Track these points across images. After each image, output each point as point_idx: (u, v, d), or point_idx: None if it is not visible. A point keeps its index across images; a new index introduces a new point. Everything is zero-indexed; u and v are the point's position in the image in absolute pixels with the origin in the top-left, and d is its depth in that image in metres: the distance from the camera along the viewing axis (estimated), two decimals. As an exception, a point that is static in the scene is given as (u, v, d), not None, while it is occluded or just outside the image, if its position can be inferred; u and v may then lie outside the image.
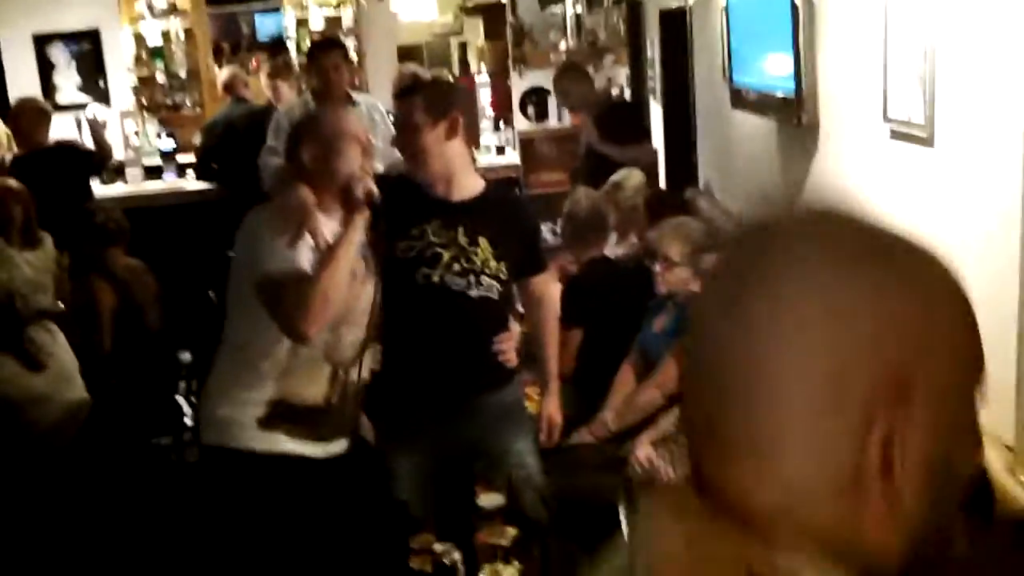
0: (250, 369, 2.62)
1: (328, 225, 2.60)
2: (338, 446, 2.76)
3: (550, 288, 3.14)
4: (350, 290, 2.61)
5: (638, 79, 7.11)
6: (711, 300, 0.73)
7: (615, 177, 4.77)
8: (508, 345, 2.89)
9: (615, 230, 4.30)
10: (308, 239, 2.55)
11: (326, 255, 2.53)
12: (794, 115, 3.14)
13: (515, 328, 2.99)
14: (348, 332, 2.68)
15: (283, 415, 2.63)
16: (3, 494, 3.41)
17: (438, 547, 2.50)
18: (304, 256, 2.53)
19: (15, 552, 3.27)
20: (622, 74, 7.57)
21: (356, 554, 2.74)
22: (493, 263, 2.78)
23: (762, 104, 3.64)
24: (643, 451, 3.22)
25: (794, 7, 3.02)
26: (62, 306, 4.70)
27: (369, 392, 2.84)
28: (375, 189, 2.56)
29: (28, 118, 5.99)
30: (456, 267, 2.74)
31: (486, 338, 2.85)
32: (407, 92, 2.87)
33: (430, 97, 2.80)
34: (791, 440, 0.68)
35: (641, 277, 3.71)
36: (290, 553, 2.68)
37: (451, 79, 7.24)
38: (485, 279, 2.78)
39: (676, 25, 5.57)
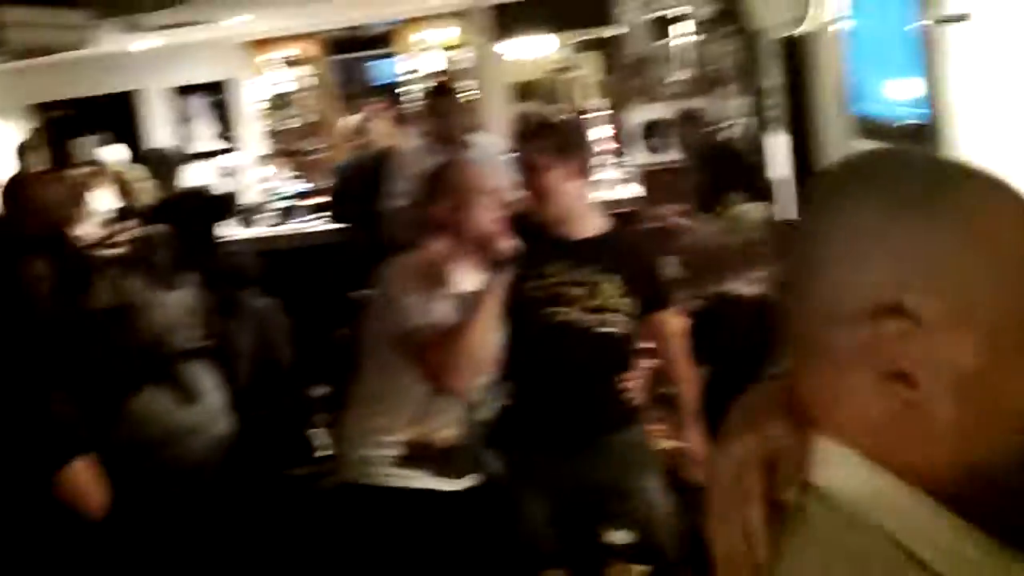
0: (386, 414, 2.70)
1: (464, 275, 2.67)
2: (469, 480, 2.82)
3: (676, 323, 3.14)
4: (499, 296, 2.69)
5: (755, 109, 7.06)
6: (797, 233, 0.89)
7: (738, 209, 4.75)
8: (634, 384, 2.91)
9: (737, 264, 4.26)
10: (446, 292, 2.62)
11: (473, 310, 2.59)
12: (926, 143, 3.08)
13: (640, 367, 2.99)
14: (479, 372, 2.73)
15: (418, 456, 2.71)
16: (147, 523, 3.55)
17: (569, 582, 2.53)
18: (445, 311, 2.60)
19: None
20: (738, 105, 7.52)
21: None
22: (620, 300, 2.81)
23: (887, 132, 3.58)
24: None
25: (924, 29, 2.95)
26: (206, 343, 4.93)
27: (498, 428, 2.89)
28: (517, 244, 2.61)
29: (164, 165, 6.33)
30: (585, 306, 2.78)
31: (613, 376, 2.88)
32: (534, 134, 2.91)
33: (557, 138, 2.83)
34: (834, 344, 0.81)
35: (767, 312, 3.67)
36: (425, 564, 2.74)
37: (570, 117, 7.32)
38: (611, 316, 2.80)
39: (794, 53, 5.52)
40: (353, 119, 7.55)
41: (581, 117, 8.40)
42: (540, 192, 2.81)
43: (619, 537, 2.67)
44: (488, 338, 2.60)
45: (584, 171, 2.85)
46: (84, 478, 1.88)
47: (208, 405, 3.88)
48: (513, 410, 2.94)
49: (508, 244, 2.61)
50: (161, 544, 3.43)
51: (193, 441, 3.76)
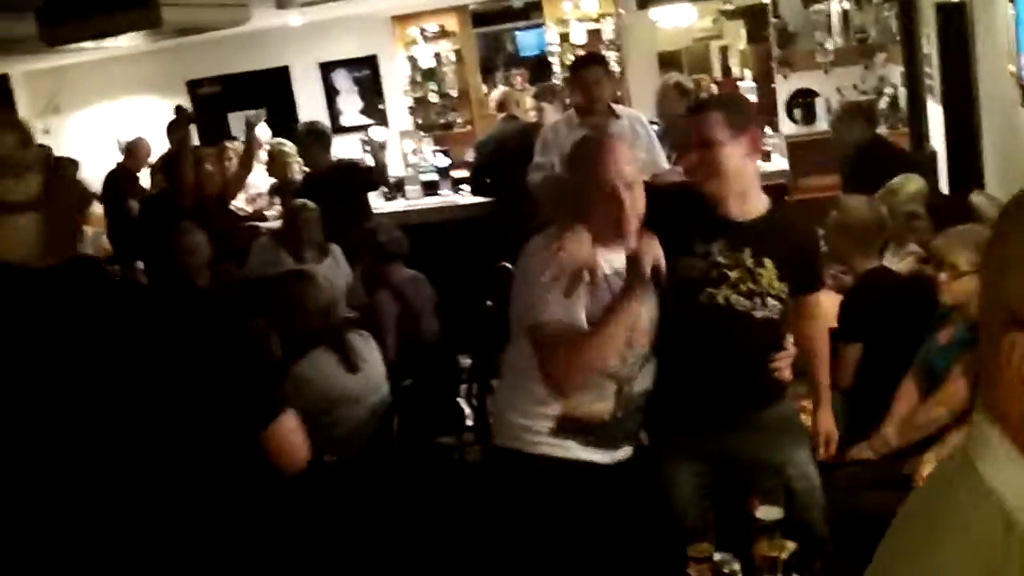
0: (536, 389, 2.70)
1: (605, 256, 2.67)
2: (623, 452, 2.84)
3: (824, 302, 3.08)
4: (632, 308, 2.65)
5: (913, 78, 6.80)
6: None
7: (892, 182, 4.60)
8: (785, 363, 2.87)
9: (892, 238, 4.14)
10: (582, 279, 2.61)
11: (603, 318, 2.57)
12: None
13: (790, 346, 2.95)
14: (632, 350, 2.72)
15: (571, 428, 2.73)
16: (299, 487, 3.66)
17: (717, 557, 2.53)
18: (579, 309, 2.60)
19: (304, 544, 3.52)
20: (895, 73, 7.26)
21: (634, 559, 2.80)
22: (777, 284, 2.75)
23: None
24: (928, 469, 3.10)
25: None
26: (354, 315, 5.08)
27: (648, 404, 2.91)
28: (663, 263, 2.55)
29: (312, 140, 6.49)
30: (742, 288, 2.73)
31: (764, 358, 2.84)
32: (704, 106, 2.81)
33: (730, 113, 2.72)
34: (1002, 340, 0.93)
35: (922, 288, 3.57)
36: (568, 554, 2.77)
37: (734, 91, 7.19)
38: (770, 300, 2.75)
39: (955, 19, 5.30)
40: (496, 92, 7.61)
41: (728, 86, 8.28)
42: (713, 169, 2.70)
43: (768, 512, 2.64)
44: (612, 348, 2.59)
45: (758, 150, 2.78)
46: (293, 429, 1.89)
47: (370, 376, 3.98)
48: (663, 386, 2.92)
49: (656, 263, 2.54)
50: (312, 510, 3.55)
51: (352, 409, 3.87)
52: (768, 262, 2.74)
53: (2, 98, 9.74)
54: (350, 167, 6.63)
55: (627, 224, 2.61)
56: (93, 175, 7.57)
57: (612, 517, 2.78)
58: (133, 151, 8.03)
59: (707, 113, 2.72)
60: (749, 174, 2.77)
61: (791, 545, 2.64)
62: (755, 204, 2.80)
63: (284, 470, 1.87)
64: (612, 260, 2.67)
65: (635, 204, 2.62)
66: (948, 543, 0.94)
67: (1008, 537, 0.90)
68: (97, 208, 7.62)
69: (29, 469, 1.50)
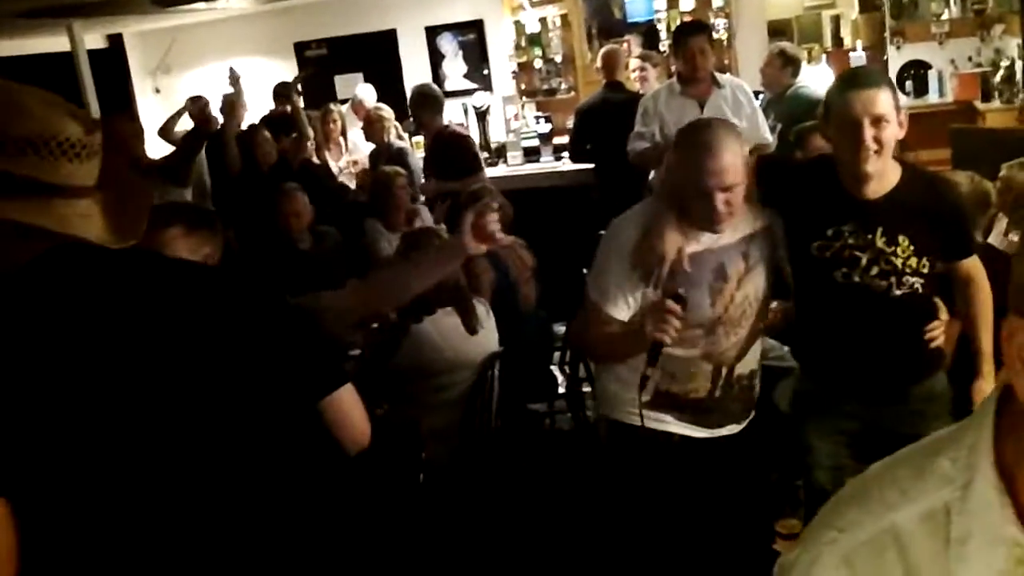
0: (630, 362, 2.72)
1: (698, 237, 2.65)
2: (726, 431, 2.83)
3: (979, 269, 2.90)
4: (724, 294, 2.66)
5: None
6: None
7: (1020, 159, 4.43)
8: (938, 332, 2.80)
9: (1010, 216, 4.01)
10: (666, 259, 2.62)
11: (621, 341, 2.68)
12: None
13: (944, 315, 2.85)
14: (728, 333, 2.71)
15: (665, 403, 2.75)
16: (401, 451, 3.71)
17: (806, 534, 2.51)
18: (625, 305, 2.66)
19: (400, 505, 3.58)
20: (1012, 45, 7.00)
21: (724, 531, 2.80)
22: (914, 260, 2.68)
23: None
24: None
25: None
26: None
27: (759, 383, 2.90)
28: (666, 340, 2.51)
29: (423, 104, 6.52)
30: (875, 270, 2.68)
31: (913, 331, 2.78)
32: (875, 82, 2.65)
33: (893, 90, 2.65)
34: None
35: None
36: (658, 523, 2.80)
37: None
38: (907, 278, 2.69)
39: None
40: (604, 52, 7.52)
41: (839, 57, 8.08)
42: (879, 146, 2.58)
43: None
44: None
45: (904, 125, 2.65)
46: (354, 402, 1.85)
47: (486, 341, 4.01)
48: (807, 352, 2.92)
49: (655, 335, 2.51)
50: (408, 471, 3.60)
51: (463, 374, 3.91)
52: (903, 239, 2.67)
53: (116, 57, 10.04)
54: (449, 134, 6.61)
55: (719, 222, 2.58)
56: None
57: (707, 490, 2.80)
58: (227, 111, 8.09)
59: (880, 88, 2.61)
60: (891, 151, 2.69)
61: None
62: (890, 177, 2.70)
63: (344, 445, 1.83)
64: (702, 237, 2.65)
65: (731, 203, 2.56)
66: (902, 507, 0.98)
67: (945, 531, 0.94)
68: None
69: (98, 450, 1.49)
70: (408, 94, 6.93)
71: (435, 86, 7.07)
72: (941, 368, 2.88)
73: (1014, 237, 4.06)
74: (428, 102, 6.47)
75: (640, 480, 2.80)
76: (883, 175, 2.67)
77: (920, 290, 2.72)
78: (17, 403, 1.43)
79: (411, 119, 6.93)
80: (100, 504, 1.49)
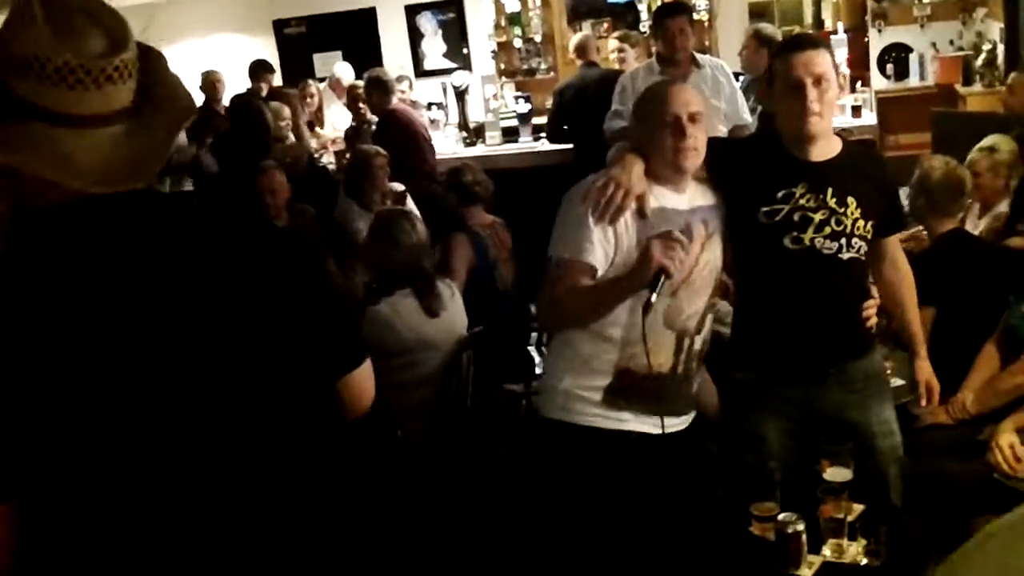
0: (584, 351, 2.65)
1: (661, 195, 2.62)
2: (677, 422, 2.77)
3: (900, 248, 3.01)
4: (689, 255, 2.57)
5: (1013, 33, 6.55)
6: None
7: (985, 142, 4.44)
8: (872, 310, 2.82)
9: (980, 201, 4.01)
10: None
11: (595, 291, 2.56)
12: None
13: (875, 292, 2.89)
14: (690, 300, 2.66)
15: (628, 389, 2.65)
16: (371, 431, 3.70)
17: (782, 517, 2.50)
18: (597, 251, 2.54)
19: (378, 485, 3.56)
20: (994, 28, 7.00)
21: (697, 516, 2.78)
22: (861, 223, 2.70)
23: None
24: (1006, 438, 3.03)
25: None
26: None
27: (731, 353, 2.89)
28: (671, 267, 2.42)
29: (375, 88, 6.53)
30: (827, 230, 2.68)
31: (854, 303, 2.79)
32: (814, 44, 2.74)
33: (831, 54, 2.72)
34: None
35: (1003, 252, 3.46)
36: (629, 504, 2.76)
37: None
38: (856, 240, 2.70)
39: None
40: (576, 37, 7.50)
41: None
42: (819, 109, 2.63)
43: (836, 474, 2.60)
44: (595, 314, 2.61)
45: (842, 87, 2.76)
46: (370, 375, 1.78)
47: (450, 323, 3.99)
48: (744, 336, 2.89)
49: (657, 263, 2.42)
50: (378, 450, 3.57)
51: (429, 354, 3.88)
52: (851, 200, 2.70)
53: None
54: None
55: (685, 157, 2.56)
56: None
57: (665, 483, 2.72)
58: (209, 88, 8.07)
59: (819, 50, 2.69)
60: (831, 116, 2.76)
61: (858, 508, 2.61)
62: (833, 144, 2.77)
63: (350, 414, 1.78)
64: (665, 195, 2.62)
65: (697, 141, 2.57)
66: None
67: None
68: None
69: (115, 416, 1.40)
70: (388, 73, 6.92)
71: (384, 71, 7.05)
72: (874, 348, 2.90)
73: (981, 219, 4.07)
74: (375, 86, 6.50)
75: (594, 482, 2.69)
76: (828, 138, 2.74)
77: (863, 258, 2.75)
78: (33, 366, 1.34)
79: None
80: (117, 463, 1.42)
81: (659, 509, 2.70)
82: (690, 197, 2.68)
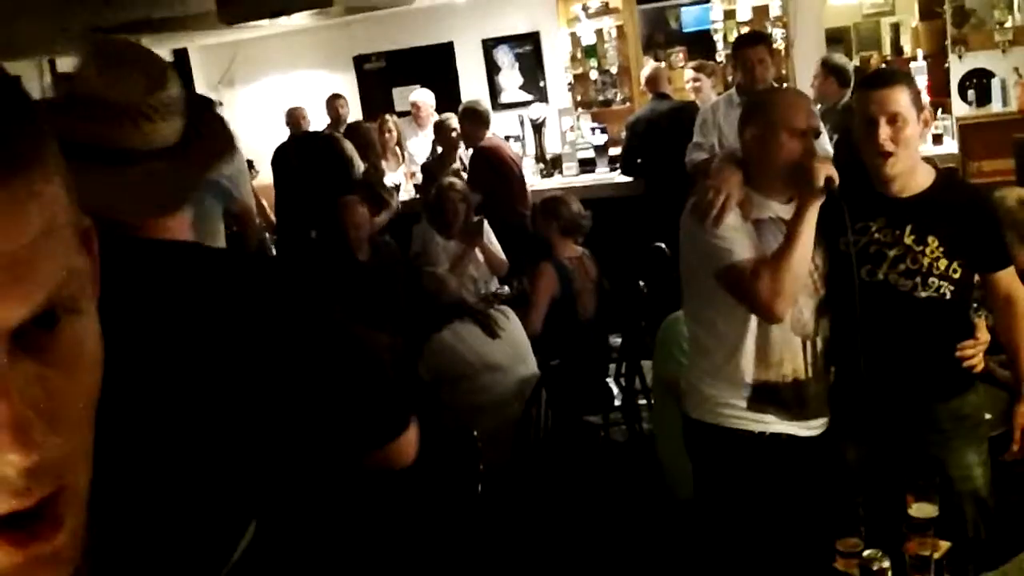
0: (728, 362, 2.75)
1: (765, 206, 2.68)
2: (819, 424, 2.84)
3: (1019, 287, 2.86)
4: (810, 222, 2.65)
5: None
6: None
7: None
8: (972, 351, 2.77)
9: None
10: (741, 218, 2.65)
11: (788, 237, 2.60)
12: None
13: (982, 333, 2.82)
14: (806, 303, 2.73)
15: (767, 397, 2.75)
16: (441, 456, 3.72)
17: (866, 552, 2.49)
18: (745, 239, 2.63)
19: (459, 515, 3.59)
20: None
21: (783, 546, 2.78)
22: (944, 262, 2.66)
23: None
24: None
25: None
26: (507, 291, 5.17)
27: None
28: (835, 175, 2.55)
29: (470, 120, 6.61)
30: (901, 267, 2.66)
31: (941, 342, 2.74)
32: (891, 81, 2.70)
33: (913, 88, 2.67)
34: None
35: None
36: (732, 527, 2.82)
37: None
38: (933, 279, 2.66)
39: None
40: (646, 68, 7.52)
41: (900, 65, 7.98)
42: (895, 145, 2.61)
43: (924, 510, 2.57)
44: (804, 261, 2.61)
45: (928, 123, 2.71)
46: (416, 436, 1.63)
47: (514, 346, 4.08)
48: (840, 367, 2.89)
49: (828, 173, 2.55)
50: (452, 477, 3.61)
51: (497, 376, 3.97)
52: (932, 239, 2.66)
53: (181, 71, 10.18)
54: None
55: (812, 172, 2.58)
56: (265, 145, 7.92)
57: (801, 494, 2.79)
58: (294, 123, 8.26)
59: (894, 87, 2.65)
60: (917, 151, 2.73)
61: (944, 544, 2.58)
62: (919, 179, 2.72)
63: (391, 468, 1.66)
64: (771, 206, 2.69)
65: (811, 149, 2.64)
66: None
67: None
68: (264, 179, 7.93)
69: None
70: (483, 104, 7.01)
71: (480, 102, 7.08)
72: (972, 389, 2.82)
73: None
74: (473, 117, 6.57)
75: (733, 484, 2.80)
76: (912, 174, 2.69)
77: (948, 296, 2.68)
78: None
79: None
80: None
81: (774, 521, 2.77)
82: (793, 205, 2.72)
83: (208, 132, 1.54)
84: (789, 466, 2.78)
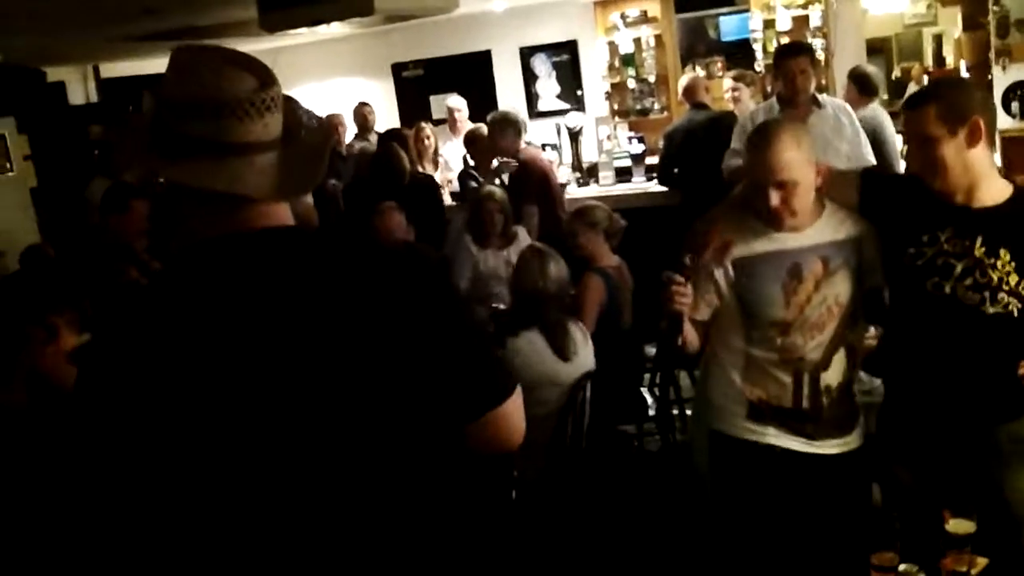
0: (732, 373, 2.83)
1: (767, 237, 2.72)
2: (828, 447, 2.83)
3: None
4: (799, 294, 2.69)
5: None
6: None
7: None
8: None
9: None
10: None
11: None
12: None
13: None
14: (806, 337, 2.72)
15: (766, 413, 2.80)
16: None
17: (902, 567, 2.47)
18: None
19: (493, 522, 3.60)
20: None
21: (816, 557, 2.76)
22: (1014, 277, 2.56)
23: None
24: None
25: None
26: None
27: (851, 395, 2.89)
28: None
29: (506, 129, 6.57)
30: (969, 281, 2.57)
31: (1005, 361, 2.61)
32: (918, 101, 2.63)
33: (945, 105, 2.54)
34: None
35: None
36: (752, 538, 2.82)
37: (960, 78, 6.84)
38: (1003, 295, 2.56)
39: None
40: (684, 78, 7.49)
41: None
42: (931, 164, 2.57)
43: (959, 526, 2.53)
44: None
45: (982, 137, 2.54)
46: (520, 405, 1.70)
47: (580, 366, 4.03)
48: (892, 377, 2.89)
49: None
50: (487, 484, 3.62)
51: (553, 392, 3.94)
52: (1004, 252, 2.56)
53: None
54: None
55: (773, 217, 2.65)
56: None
57: (805, 509, 2.79)
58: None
59: (920, 108, 2.57)
60: (977, 163, 2.57)
61: (982, 561, 2.54)
62: (991, 192, 2.61)
63: (497, 450, 1.74)
64: (774, 237, 2.71)
65: (787, 201, 2.63)
66: None
67: None
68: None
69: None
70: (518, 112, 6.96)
71: (515, 111, 7.02)
72: None
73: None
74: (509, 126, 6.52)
75: (739, 493, 2.83)
76: (983, 184, 2.59)
77: (1016, 314, 2.58)
78: (174, 388, 1.44)
79: None
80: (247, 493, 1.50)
81: (789, 534, 2.77)
82: (813, 234, 2.70)
83: (298, 123, 1.64)
84: (799, 479, 2.79)
